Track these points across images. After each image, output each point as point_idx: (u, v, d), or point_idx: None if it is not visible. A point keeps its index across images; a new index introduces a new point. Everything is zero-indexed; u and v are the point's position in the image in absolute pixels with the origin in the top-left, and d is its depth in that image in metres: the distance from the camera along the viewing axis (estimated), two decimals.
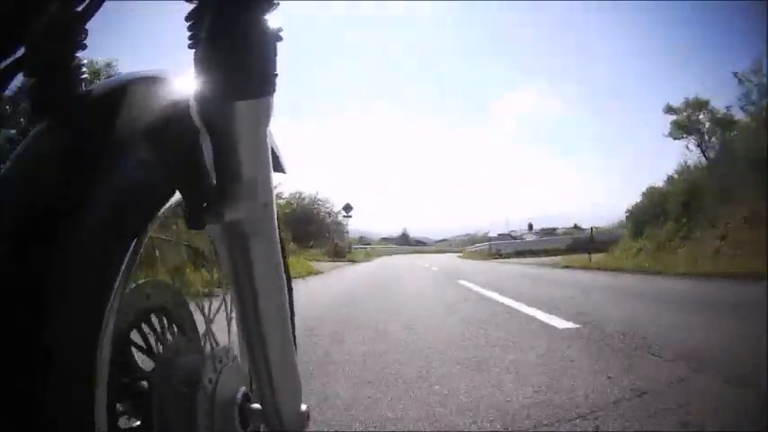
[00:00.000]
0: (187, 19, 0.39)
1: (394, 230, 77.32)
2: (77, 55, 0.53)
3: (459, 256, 29.36)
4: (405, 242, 73.84)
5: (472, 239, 62.17)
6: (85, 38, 0.52)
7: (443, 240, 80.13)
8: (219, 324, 0.53)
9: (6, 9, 0.37)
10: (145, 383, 0.46)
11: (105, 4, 0.52)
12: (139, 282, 0.49)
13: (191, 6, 0.38)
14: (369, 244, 43.20)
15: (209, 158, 0.38)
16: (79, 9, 0.51)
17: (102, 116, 0.38)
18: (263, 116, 0.39)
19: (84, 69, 0.53)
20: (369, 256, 28.03)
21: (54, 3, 0.42)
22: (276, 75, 0.38)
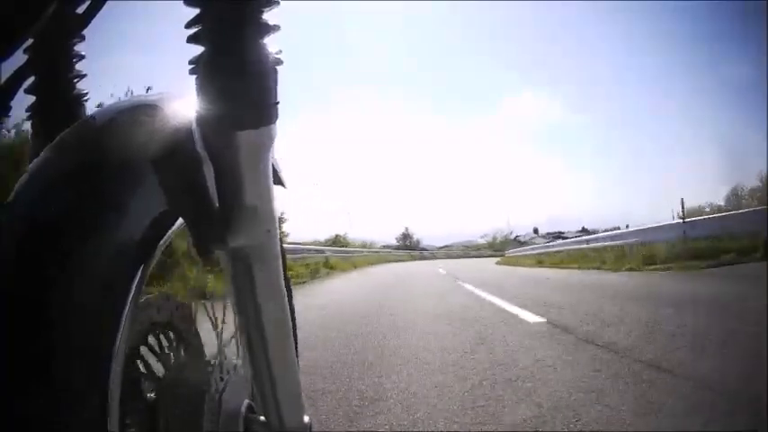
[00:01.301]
0: (188, 40, 0.39)
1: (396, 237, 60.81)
2: (77, 67, 0.54)
3: (495, 265, 18.87)
4: (407, 246, 55.82)
5: (491, 244, 56.63)
6: (83, 40, 0.53)
7: (446, 247, 64.93)
8: (224, 339, 0.54)
9: (6, 10, 0.38)
10: (152, 396, 0.48)
11: (105, 7, 0.53)
12: (147, 296, 0.50)
13: (188, 10, 0.38)
14: (345, 245, 25.04)
15: (212, 185, 0.39)
16: (79, 11, 0.52)
17: (107, 143, 0.39)
18: (266, 143, 0.39)
19: (85, 91, 0.54)
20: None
21: (54, 3, 0.42)
22: (277, 102, 0.39)
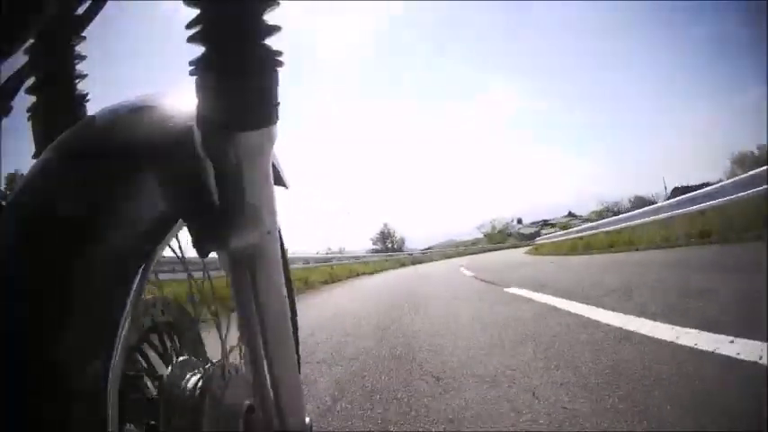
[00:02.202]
0: (189, 40, 0.39)
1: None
2: (78, 68, 0.54)
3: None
4: (388, 248, 42.70)
5: (490, 236, 50.87)
6: (83, 41, 0.53)
7: (429, 249, 46.35)
8: (226, 340, 0.53)
9: (7, 10, 0.38)
10: (152, 397, 0.48)
11: (105, 7, 0.53)
12: (149, 297, 0.50)
13: (189, 11, 0.38)
14: None
15: (213, 185, 0.39)
16: (78, 12, 0.52)
17: (107, 144, 0.39)
18: (267, 144, 0.39)
19: (86, 92, 0.54)
20: None
21: (54, 4, 0.42)
22: (278, 103, 0.39)
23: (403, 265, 22.37)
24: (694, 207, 8.32)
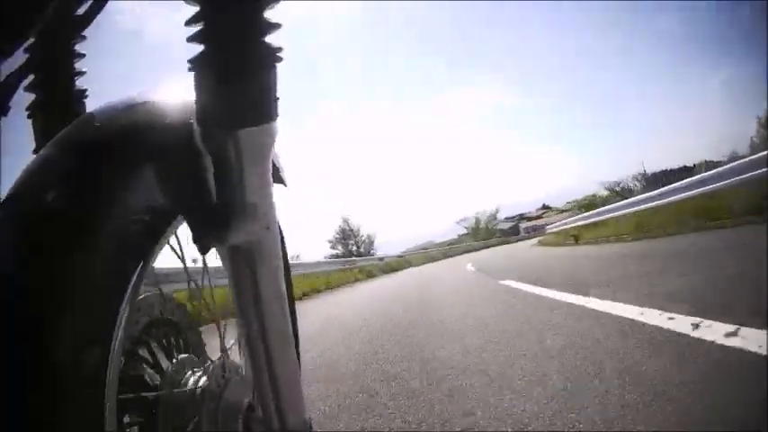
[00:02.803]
0: (188, 40, 0.39)
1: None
2: (77, 66, 0.54)
3: None
4: (351, 252, 32.70)
5: (475, 232, 45.79)
6: (83, 39, 0.53)
7: (405, 252, 32.33)
8: (225, 337, 0.54)
9: (7, 9, 0.38)
10: (151, 395, 0.48)
11: (106, 7, 0.53)
12: (147, 294, 0.50)
13: (189, 9, 0.38)
14: None
15: (213, 182, 0.39)
16: (79, 12, 0.52)
17: (106, 140, 0.39)
18: (267, 141, 0.39)
19: (85, 88, 0.54)
20: None
21: (55, 3, 0.42)
22: (277, 99, 0.39)
23: (370, 275, 13.44)
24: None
